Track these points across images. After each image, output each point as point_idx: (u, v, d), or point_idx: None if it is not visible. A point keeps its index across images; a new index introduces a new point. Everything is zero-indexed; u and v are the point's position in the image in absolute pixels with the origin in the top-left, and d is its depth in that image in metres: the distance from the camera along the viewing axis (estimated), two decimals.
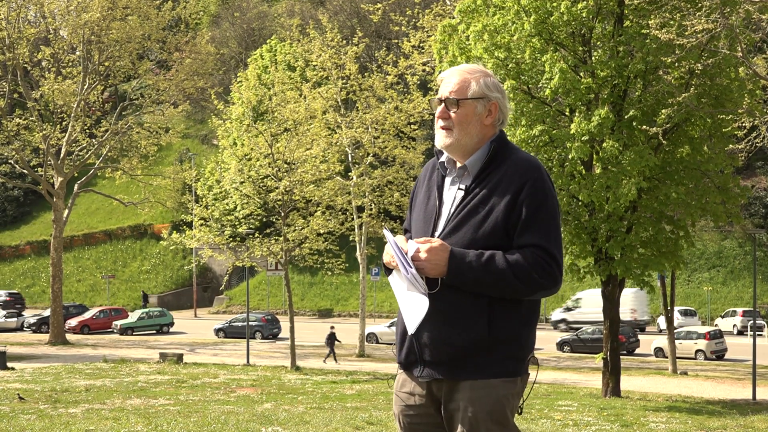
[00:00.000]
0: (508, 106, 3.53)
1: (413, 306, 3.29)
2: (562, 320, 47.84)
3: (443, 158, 3.48)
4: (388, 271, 3.46)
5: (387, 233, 3.40)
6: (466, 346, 3.27)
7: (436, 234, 3.36)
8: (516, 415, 3.40)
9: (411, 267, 3.24)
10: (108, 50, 42.44)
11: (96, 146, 43.72)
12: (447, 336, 3.28)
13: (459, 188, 3.39)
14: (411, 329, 3.30)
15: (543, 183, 3.33)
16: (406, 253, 3.29)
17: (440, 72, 22.70)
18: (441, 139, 3.43)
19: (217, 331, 46.23)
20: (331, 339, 33.88)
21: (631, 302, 43.49)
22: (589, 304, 47.94)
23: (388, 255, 3.39)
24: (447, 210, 3.40)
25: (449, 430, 3.39)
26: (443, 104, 3.42)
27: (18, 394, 19.76)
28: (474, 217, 3.32)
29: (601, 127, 19.83)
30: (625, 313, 46.03)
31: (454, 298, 3.27)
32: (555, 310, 49.18)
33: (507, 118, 3.50)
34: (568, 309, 49.32)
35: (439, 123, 3.43)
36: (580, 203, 21.32)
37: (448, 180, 3.46)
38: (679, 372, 31.74)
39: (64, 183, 42.37)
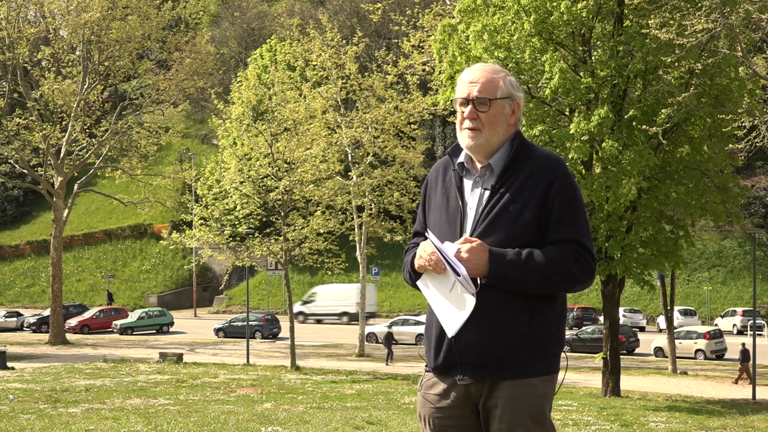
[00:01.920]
0: None
1: (454, 309, 3.24)
2: (301, 312, 50.15)
3: (461, 158, 3.42)
4: (417, 275, 3.39)
5: (432, 236, 3.29)
6: (510, 346, 3.24)
7: (465, 235, 3.30)
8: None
9: (462, 268, 3.19)
10: (108, 50, 42.43)
11: (96, 146, 43.71)
12: (490, 337, 3.25)
13: (484, 188, 3.35)
14: (451, 332, 3.26)
15: (570, 178, 3.34)
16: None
17: (440, 71, 22.80)
18: (467, 140, 3.35)
19: (217, 331, 46.23)
20: (389, 339, 33.89)
21: (356, 296, 43.62)
22: (323, 297, 51.06)
23: (422, 259, 3.31)
24: (473, 211, 3.35)
25: (485, 427, 3.36)
26: (471, 105, 3.35)
27: (11, 396, 19.72)
28: (506, 216, 3.28)
29: (601, 126, 19.82)
30: (351, 306, 47.09)
31: (493, 298, 3.24)
32: (296, 303, 49.90)
33: None
34: (305, 302, 51.82)
35: (465, 124, 3.36)
36: None
37: (467, 181, 3.41)
38: (678, 372, 31.75)
39: (64, 183, 42.36)
